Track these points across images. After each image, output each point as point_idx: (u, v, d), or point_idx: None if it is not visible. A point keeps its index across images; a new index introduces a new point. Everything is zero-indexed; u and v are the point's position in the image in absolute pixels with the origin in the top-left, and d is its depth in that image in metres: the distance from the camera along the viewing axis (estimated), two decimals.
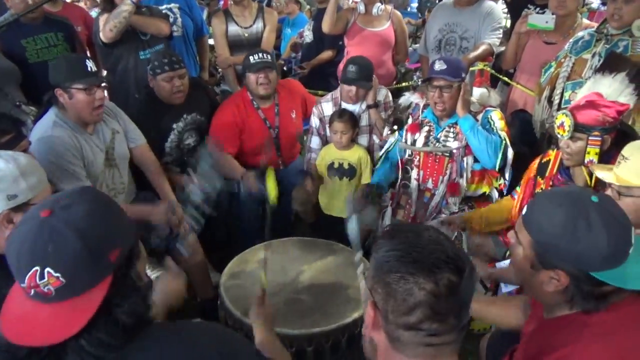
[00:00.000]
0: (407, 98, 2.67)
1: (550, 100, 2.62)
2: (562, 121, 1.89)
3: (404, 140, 2.58)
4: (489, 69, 3.16)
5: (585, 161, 1.86)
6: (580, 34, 2.64)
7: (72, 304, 0.90)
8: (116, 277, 0.93)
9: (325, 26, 3.58)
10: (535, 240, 1.15)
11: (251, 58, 2.83)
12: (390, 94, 3.02)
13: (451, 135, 2.45)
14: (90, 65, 2.17)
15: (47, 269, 0.88)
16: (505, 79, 3.33)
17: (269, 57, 2.85)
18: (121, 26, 2.79)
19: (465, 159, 2.44)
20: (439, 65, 2.36)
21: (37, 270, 0.88)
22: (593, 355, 1.06)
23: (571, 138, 1.87)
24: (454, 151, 2.44)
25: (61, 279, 0.88)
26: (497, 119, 2.42)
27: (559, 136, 1.93)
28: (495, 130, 2.38)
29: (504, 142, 2.34)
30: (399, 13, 3.68)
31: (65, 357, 0.90)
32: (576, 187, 1.88)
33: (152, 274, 2.36)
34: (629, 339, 1.08)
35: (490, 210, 2.31)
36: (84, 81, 2.13)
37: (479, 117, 2.42)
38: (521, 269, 1.21)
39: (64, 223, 0.90)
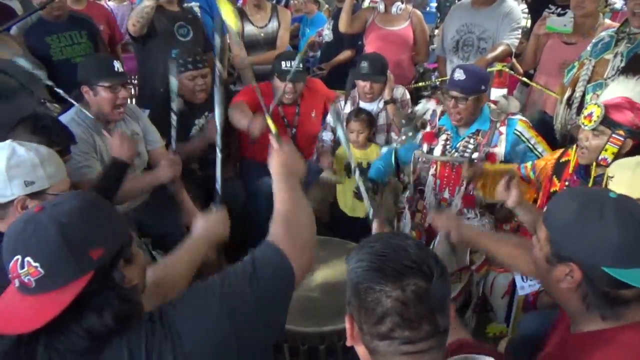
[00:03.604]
0: (424, 105, 2.60)
1: (569, 102, 2.59)
2: (592, 111, 1.82)
3: (420, 150, 2.51)
4: (507, 69, 3.13)
5: (599, 158, 1.82)
6: (601, 34, 2.61)
7: (50, 297, 0.92)
8: (97, 276, 0.95)
9: (342, 25, 3.59)
10: (550, 232, 1.13)
11: (283, 63, 2.83)
12: (407, 93, 3.02)
13: (471, 145, 2.36)
14: (117, 65, 2.25)
15: (27, 259, 0.92)
16: (525, 79, 3.30)
17: (301, 65, 2.85)
18: (143, 21, 2.84)
19: None
20: (458, 75, 2.28)
21: (18, 259, 0.93)
22: None
23: (594, 130, 1.81)
24: (474, 162, 2.34)
25: (40, 269, 0.92)
26: (526, 131, 2.30)
27: (582, 126, 1.86)
28: (532, 149, 2.30)
29: None
30: (419, 13, 3.66)
31: (37, 349, 0.93)
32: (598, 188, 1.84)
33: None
34: None
35: (497, 171, 2.22)
36: (109, 80, 2.20)
37: (503, 129, 2.31)
38: (539, 267, 1.18)
39: (48, 217, 0.95)
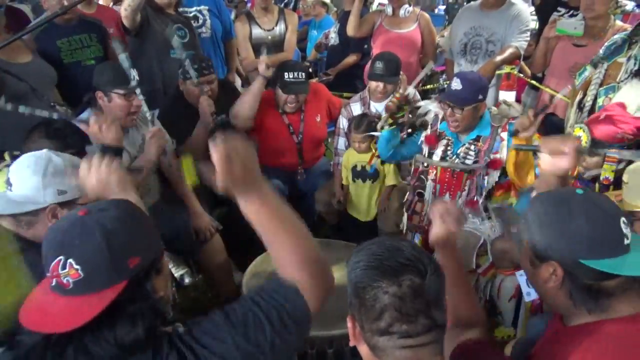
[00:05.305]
0: (426, 106, 2.57)
1: (580, 106, 2.57)
2: (579, 135, 1.84)
3: (421, 152, 2.50)
4: (515, 72, 3.11)
5: (601, 178, 1.81)
6: (614, 37, 2.58)
7: (84, 300, 0.95)
8: (131, 284, 0.97)
9: (350, 28, 3.59)
10: (529, 235, 1.18)
11: (286, 75, 2.81)
12: (418, 94, 3.01)
13: (472, 151, 2.34)
14: (134, 74, 2.24)
15: (70, 260, 0.95)
16: (534, 82, 3.28)
17: (303, 76, 2.85)
18: (135, 4, 2.79)
19: (486, 177, 2.32)
20: (455, 85, 2.25)
21: (61, 260, 0.95)
22: None
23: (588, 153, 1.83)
24: (475, 169, 2.33)
25: (80, 272, 0.94)
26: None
27: None
28: (535, 154, 2.26)
29: None
30: (426, 15, 3.67)
31: (67, 350, 0.94)
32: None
33: (176, 272, 2.41)
34: None
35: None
36: (125, 88, 2.21)
37: (504, 134, 2.28)
38: (527, 272, 1.24)
39: (94, 222, 0.98)
